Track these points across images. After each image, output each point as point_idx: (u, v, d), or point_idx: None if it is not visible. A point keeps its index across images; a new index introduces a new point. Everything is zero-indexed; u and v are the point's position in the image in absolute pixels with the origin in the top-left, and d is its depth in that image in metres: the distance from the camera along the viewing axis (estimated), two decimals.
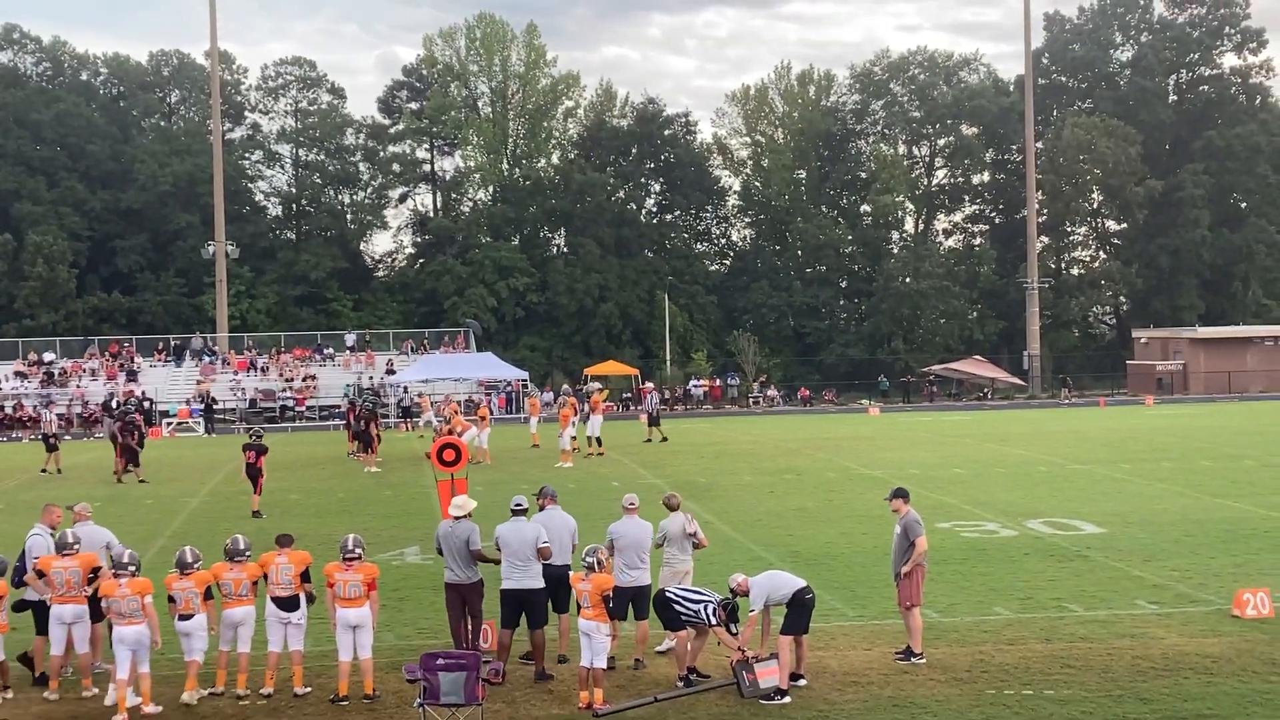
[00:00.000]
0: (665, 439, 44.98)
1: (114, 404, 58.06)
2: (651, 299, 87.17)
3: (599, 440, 40.27)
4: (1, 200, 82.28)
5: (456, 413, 42.45)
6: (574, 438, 39.42)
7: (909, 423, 54.94)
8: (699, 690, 13.56)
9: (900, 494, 15.31)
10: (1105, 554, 21.08)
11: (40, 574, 14.32)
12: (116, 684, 13.39)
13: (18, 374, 66.00)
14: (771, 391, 74.00)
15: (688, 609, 13.91)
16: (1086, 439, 43.36)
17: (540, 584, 14.40)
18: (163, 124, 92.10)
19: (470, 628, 14.91)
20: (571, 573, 14.10)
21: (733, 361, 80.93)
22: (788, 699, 13.18)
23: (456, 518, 14.83)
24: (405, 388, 59.72)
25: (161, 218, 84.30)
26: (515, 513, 14.70)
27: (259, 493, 27.92)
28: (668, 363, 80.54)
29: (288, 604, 14.02)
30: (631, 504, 15.25)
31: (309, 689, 13.99)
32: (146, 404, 59.20)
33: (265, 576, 14.12)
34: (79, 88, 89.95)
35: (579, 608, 13.48)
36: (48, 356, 68.31)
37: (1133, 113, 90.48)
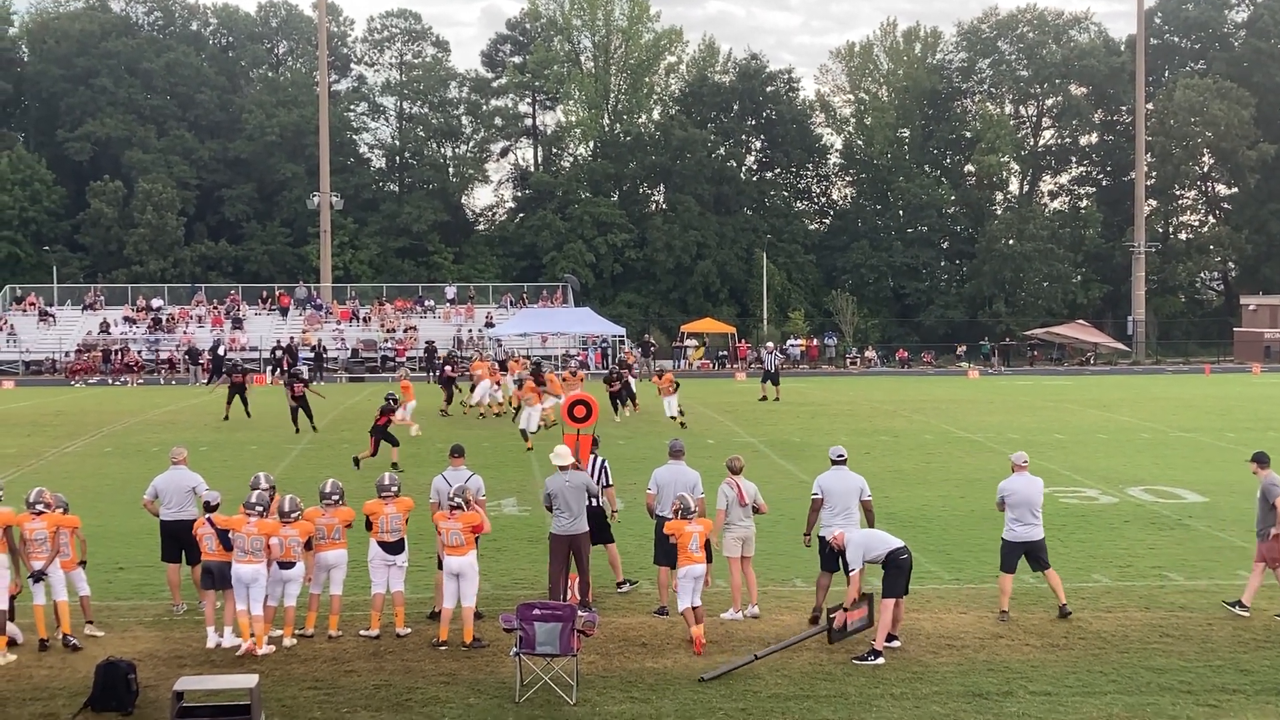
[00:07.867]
0: (778, 398, 44.31)
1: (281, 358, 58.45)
2: (750, 257, 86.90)
3: (680, 411, 37.53)
4: (112, 148, 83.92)
5: (493, 369, 40.40)
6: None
7: (1009, 387, 54.35)
8: (798, 640, 13.66)
9: (1257, 458, 15.59)
10: (1207, 523, 20.78)
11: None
12: (237, 615, 13.75)
13: (126, 319, 67.55)
14: (869, 352, 73.60)
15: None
16: (1190, 406, 42.66)
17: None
18: (270, 75, 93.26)
19: (577, 580, 15.07)
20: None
21: (830, 321, 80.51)
22: (881, 660, 13.18)
23: (562, 467, 15.02)
24: (501, 340, 60.14)
25: (268, 168, 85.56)
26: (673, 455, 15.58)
27: (396, 446, 28.07)
28: (765, 321, 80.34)
29: (393, 548, 14.39)
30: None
31: (409, 630, 14.34)
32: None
33: (368, 522, 14.41)
34: (189, 38, 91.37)
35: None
36: (155, 303, 69.80)
37: (1246, 75, 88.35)
